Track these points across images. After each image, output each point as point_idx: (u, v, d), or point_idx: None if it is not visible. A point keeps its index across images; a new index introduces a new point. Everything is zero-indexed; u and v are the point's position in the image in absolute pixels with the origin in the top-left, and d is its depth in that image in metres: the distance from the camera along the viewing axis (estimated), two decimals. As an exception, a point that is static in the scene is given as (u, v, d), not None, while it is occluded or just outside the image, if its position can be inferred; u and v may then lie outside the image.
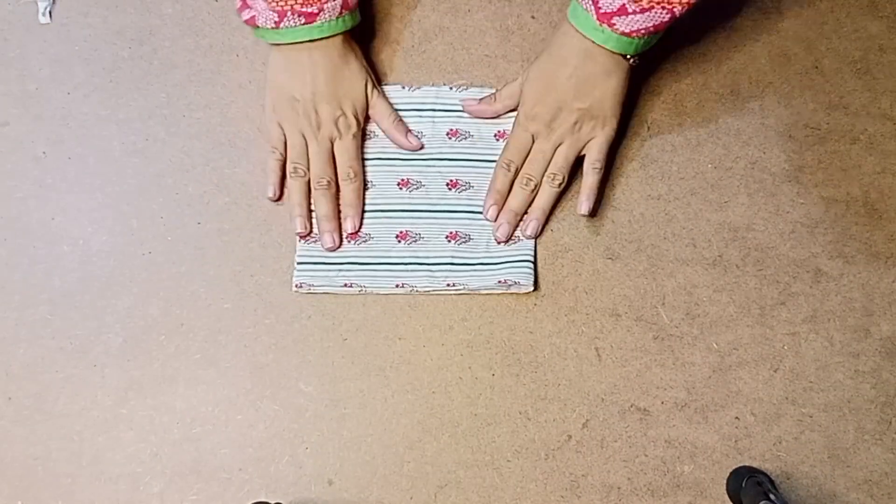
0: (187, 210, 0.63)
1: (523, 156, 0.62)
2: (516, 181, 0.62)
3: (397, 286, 0.61)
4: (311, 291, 0.61)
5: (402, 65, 0.66)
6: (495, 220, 0.62)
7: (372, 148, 0.64)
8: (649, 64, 0.65)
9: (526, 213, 0.62)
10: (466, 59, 0.67)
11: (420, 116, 0.65)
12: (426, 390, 0.59)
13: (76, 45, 0.67)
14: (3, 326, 0.60)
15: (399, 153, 0.64)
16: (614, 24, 0.55)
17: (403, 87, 0.66)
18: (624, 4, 0.54)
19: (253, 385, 0.59)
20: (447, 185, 0.63)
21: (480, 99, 0.64)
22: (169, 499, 0.57)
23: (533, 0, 0.68)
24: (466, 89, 0.65)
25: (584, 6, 0.56)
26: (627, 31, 0.55)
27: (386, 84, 0.66)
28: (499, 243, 0.62)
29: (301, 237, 0.62)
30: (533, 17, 0.68)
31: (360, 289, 0.61)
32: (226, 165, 0.64)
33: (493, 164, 0.64)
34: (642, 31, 0.55)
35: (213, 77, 0.66)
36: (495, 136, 0.64)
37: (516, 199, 0.61)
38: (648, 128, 0.65)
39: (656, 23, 0.55)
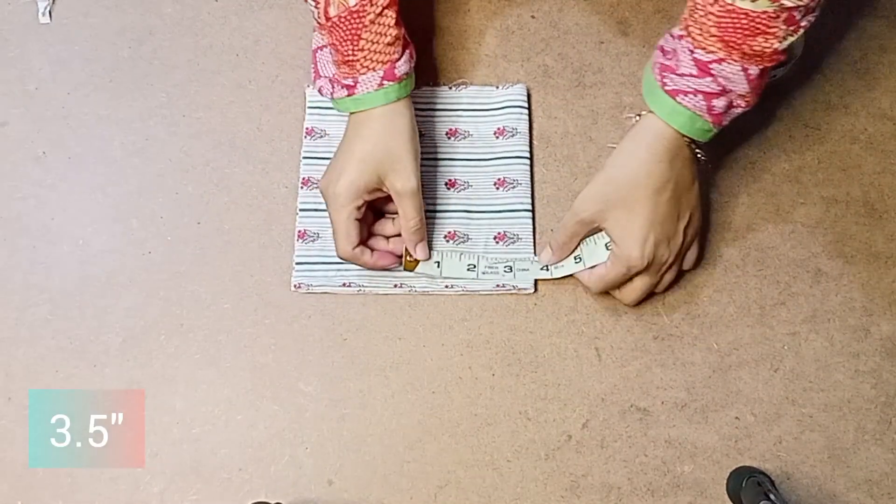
0: (187, 210, 0.63)
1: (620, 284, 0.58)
2: (617, 296, 0.59)
3: (396, 286, 0.61)
4: (310, 291, 0.61)
5: (402, 65, 0.66)
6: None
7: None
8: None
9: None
10: (466, 59, 0.67)
11: (419, 116, 0.65)
12: (426, 390, 0.59)
13: (76, 45, 0.67)
14: (3, 326, 0.60)
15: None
16: (723, 122, 0.54)
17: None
18: (732, 101, 0.53)
19: (253, 385, 0.59)
20: (446, 184, 0.63)
21: (562, 243, 0.59)
22: (169, 499, 0.57)
23: (533, 0, 0.68)
24: (466, 88, 0.65)
25: (699, 113, 0.52)
26: (728, 122, 0.54)
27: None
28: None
29: (299, 237, 0.62)
30: (533, 17, 0.68)
31: (358, 288, 0.61)
32: (226, 165, 0.64)
33: (493, 163, 0.63)
34: (728, 122, 0.55)
35: (213, 77, 0.66)
36: (494, 133, 0.64)
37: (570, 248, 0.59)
38: (648, 128, 0.65)
39: (747, 110, 0.55)
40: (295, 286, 0.61)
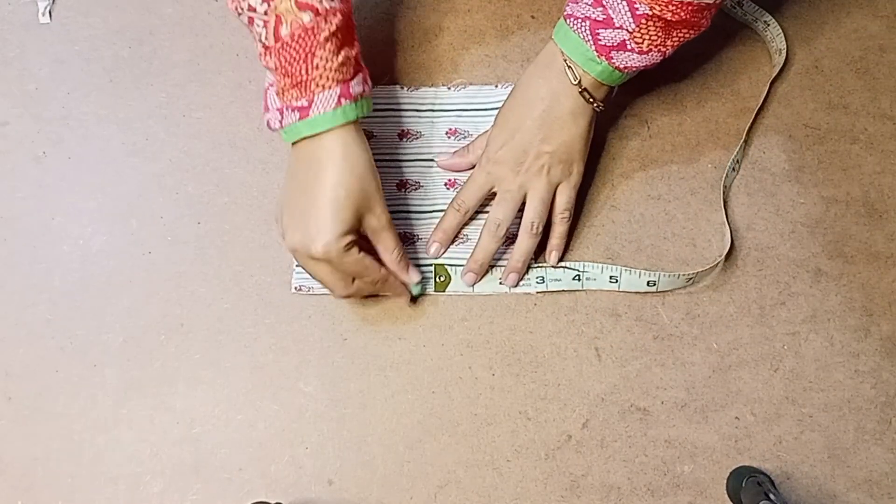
0: (187, 210, 0.63)
1: (478, 199, 0.59)
2: (485, 229, 0.59)
3: (397, 286, 0.61)
4: (311, 293, 0.61)
5: (402, 65, 0.66)
6: (434, 256, 0.61)
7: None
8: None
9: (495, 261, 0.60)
10: (466, 59, 0.67)
11: (419, 116, 0.65)
12: (426, 390, 0.59)
13: (76, 45, 0.67)
14: (3, 326, 0.60)
15: (396, 154, 0.64)
16: (612, 58, 0.55)
17: (402, 88, 0.66)
18: (624, 41, 0.54)
19: (253, 385, 0.59)
20: (445, 185, 0.63)
21: (454, 152, 0.63)
22: (169, 499, 0.57)
23: (533, 0, 0.68)
24: (465, 87, 0.65)
25: (582, 37, 0.55)
26: (622, 66, 0.55)
27: (385, 84, 0.66)
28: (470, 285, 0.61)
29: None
30: (533, 17, 0.68)
31: (359, 289, 0.61)
32: (226, 165, 0.64)
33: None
34: (633, 69, 0.56)
35: (213, 77, 0.66)
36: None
37: (484, 249, 0.59)
38: (648, 128, 0.65)
39: (647, 63, 0.56)
40: (295, 289, 0.61)
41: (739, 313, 0.60)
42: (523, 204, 0.59)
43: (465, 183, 0.60)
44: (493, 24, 0.67)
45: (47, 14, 0.68)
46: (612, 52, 0.54)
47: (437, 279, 0.61)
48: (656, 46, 0.54)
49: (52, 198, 0.63)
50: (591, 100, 0.57)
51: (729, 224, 0.61)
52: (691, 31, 0.55)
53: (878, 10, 0.68)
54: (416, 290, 0.60)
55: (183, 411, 0.59)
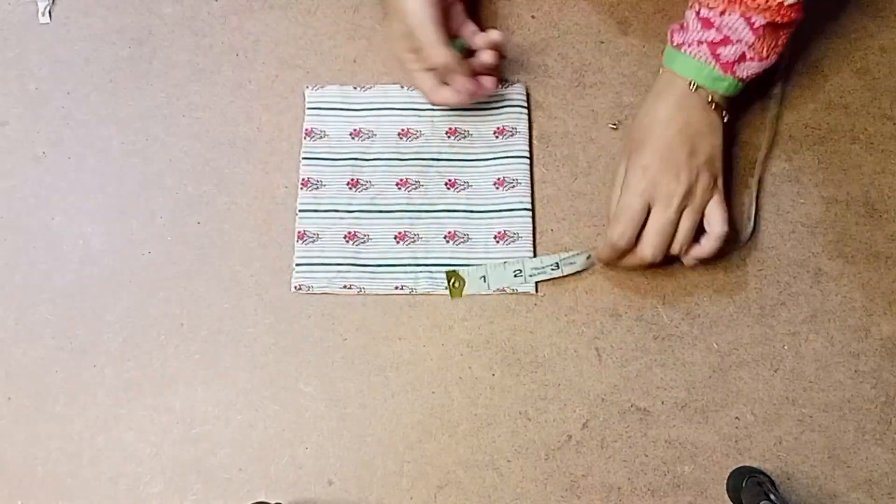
0: (187, 210, 0.63)
1: (637, 229, 0.57)
2: (637, 260, 0.57)
3: (396, 287, 0.61)
4: (311, 293, 0.61)
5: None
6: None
7: (370, 149, 0.64)
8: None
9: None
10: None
11: (419, 116, 0.65)
12: (426, 390, 0.59)
13: (76, 45, 0.67)
14: (3, 326, 0.60)
15: (398, 153, 0.64)
16: (735, 72, 0.57)
17: (402, 87, 0.66)
18: (744, 53, 0.57)
19: (253, 385, 0.59)
20: (446, 184, 0.63)
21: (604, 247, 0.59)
22: (169, 499, 0.57)
23: (533, 0, 0.68)
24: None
25: (703, 60, 0.57)
26: (745, 76, 0.58)
27: (384, 84, 0.66)
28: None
29: (299, 238, 0.62)
30: (533, 17, 0.68)
31: (359, 290, 0.61)
32: (226, 165, 0.64)
33: (492, 163, 0.63)
34: (754, 76, 0.58)
35: (213, 77, 0.66)
36: (494, 133, 0.64)
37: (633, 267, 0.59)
38: (648, 128, 0.65)
39: (767, 67, 0.58)
40: (295, 287, 0.61)
41: (739, 313, 0.60)
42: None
43: (615, 212, 0.57)
44: (492, 24, 0.67)
45: (47, 14, 0.68)
46: (735, 65, 0.57)
47: (452, 286, 0.61)
48: (772, 49, 0.57)
49: (52, 198, 0.63)
50: (724, 114, 0.59)
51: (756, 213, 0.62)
52: (794, 27, 0.57)
53: (878, 10, 0.68)
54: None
55: (183, 411, 0.59)
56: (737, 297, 0.61)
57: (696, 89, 0.58)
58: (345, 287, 0.61)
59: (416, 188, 0.63)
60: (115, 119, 0.65)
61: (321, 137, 0.65)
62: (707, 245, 0.58)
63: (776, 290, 0.61)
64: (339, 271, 0.61)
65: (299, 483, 0.57)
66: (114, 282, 0.61)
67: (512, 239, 0.62)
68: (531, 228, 0.62)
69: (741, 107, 0.64)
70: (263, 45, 0.67)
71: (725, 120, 0.59)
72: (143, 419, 0.59)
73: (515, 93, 0.65)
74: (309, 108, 0.65)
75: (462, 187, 0.63)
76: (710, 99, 0.58)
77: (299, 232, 0.62)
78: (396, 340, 0.60)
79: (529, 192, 0.63)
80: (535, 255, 0.62)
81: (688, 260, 0.59)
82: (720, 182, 0.59)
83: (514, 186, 0.63)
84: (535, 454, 0.58)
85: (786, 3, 0.54)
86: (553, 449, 0.58)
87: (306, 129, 0.65)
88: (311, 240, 0.62)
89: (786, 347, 0.60)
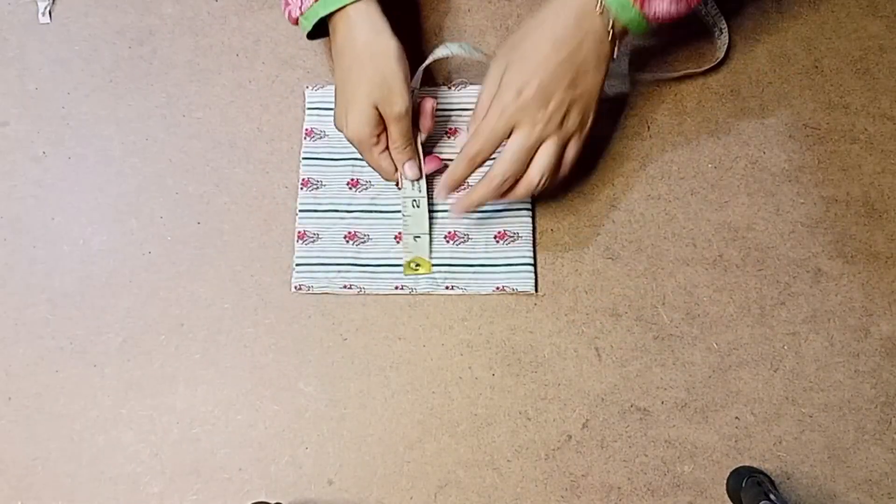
0: (187, 210, 0.63)
1: (496, 147, 0.55)
2: (487, 179, 0.55)
3: (396, 288, 0.61)
4: (311, 292, 0.61)
5: (402, 65, 0.66)
6: (443, 198, 0.59)
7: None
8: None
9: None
10: (466, 58, 0.67)
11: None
12: (426, 390, 0.59)
13: (76, 45, 0.67)
14: (3, 326, 0.60)
15: None
16: (644, 6, 0.53)
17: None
18: None
19: (253, 385, 0.59)
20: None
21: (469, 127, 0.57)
22: (169, 499, 0.57)
23: (533, 0, 0.68)
24: (465, 87, 0.65)
25: None
26: (653, 14, 0.53)
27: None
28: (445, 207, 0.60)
29: (299, 238, 0.62)
30: (533, 17, 0.68)
31: (359, 290, 0.61)
32: (226, 165, 0.64)
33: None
34: (661, 18, 0.54)
35: (213, 77, 0.66)
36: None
37: (482, 197, 0.56)
38: (648, 128, 0.65)
39: (675, 14, 0.54)
40: (295, 287, 0.61)
41: (739, 313, 0.60)
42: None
43: (477, 129, 0.55)
44: (493, 24, 0.67)
45: (47, 14, 0.68)
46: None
47: (409, 264, 0.61)
48: None
49: (52, 198, 0.63)
50: (616, 50, 0.55)
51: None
52: None
53: (878, 10, 0.68)
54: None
55: (183, 411, 0.59)
56: (737, 297, 0.61)
57: (601, 11, 0.52)
58: (345, 287, 0.61)
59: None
60: (115, 119, 0.65)
61: (321, 137, 0.65)
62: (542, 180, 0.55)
63: (776, 290, 0.61)
64: (339, 271, 0.61)
65: (299, 483, 0.57)
66: (114, 282, 0.61)
67: (512, 239, 0.62)
68: (531, 228, 0.62)
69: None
70: (263, 45, 0.67)
71: (614, 57, 0.55)
72: (143, 419, 0.59)
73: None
74: (309, 108, 0.65)
75: (462, 187, 0.63)
76: (610, 26, 0.53)
77: (299, 232, 0.62)
78: (396, 340, 0.60)
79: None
80: (535, 256, 0.62)
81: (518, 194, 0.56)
82: (591, 119, 0.56)
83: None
84: (535, 454, 0.58)
85: None
86: (553, 449, 0.58)
87: (306, 129, 0.65)
88: (311, 240, 0.62)
89: (786, 347, 0.60)
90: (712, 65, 0.65)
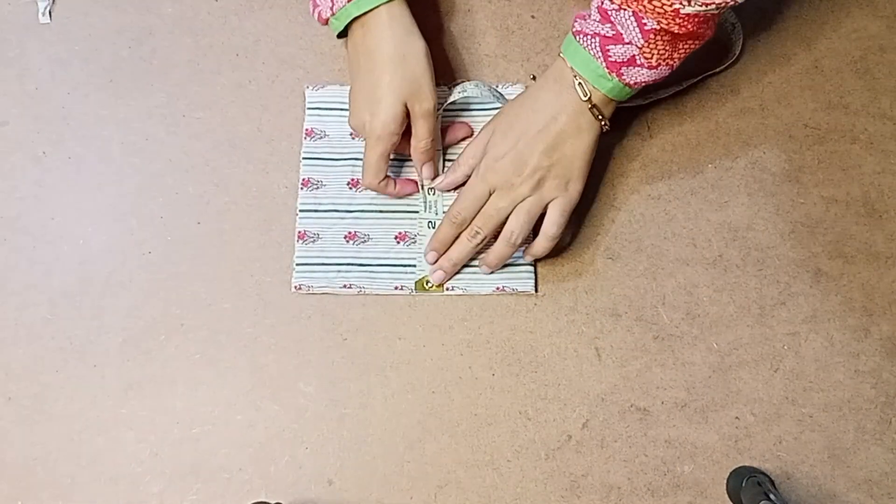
0: (187, 210, 0.63)
1: (476, 209, 0.58)
2: (464, 233, 0.59)
3: (396, 288, 0.61)
4: (311, 292, 0.61)
5: (402, 65, 0.66)
6: (433, 265, 0.60)
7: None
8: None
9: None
10: (466, 59, 0.67)
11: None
12: (426, 390, 0.59)
13: (76, 45, 0.67)
14: (3, 326, 0.60)
15: (398, 154, 0.64)
16: (622, 75, 0.55)
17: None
18: (634, 56, 0.54)
19: (253, 385, 0.59)
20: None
21: (446, 172, 0.61)
22: (169, 499, 0.57)
23: (533, 0, 0.68)
24: (462, 82, 0.65)
25: (592, 53, 0.55)
26: (633, 82, 0.55)
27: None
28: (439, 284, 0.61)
29: (299, 238, 0.62)
30: (533, 17, 0.68)
31: (359, 290, 0.61)
32: (226, 165, 0.64)
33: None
34: (642, 84, 0.56)
35: (213, 77, 0.66)
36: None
37: (459, 252, 0.59)
38: (648, 128, 0.65)
39: (656, 78, 0.56)
40: (296, 287, 0.61)
41: (739, 313, 0.60)
42: None
43: (461, 192, 0.59)
44: (493, 24, 0.67)
45: (47, 14, 0.67)
46: (623, 67, 0.54)
47: (423, 283, 0.61)
48: (664, 60, 0.55)
49: (52, 198, 0.63)
50: (600, 116, 0.57)
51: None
52: (696, 42, 0.55)
53: (878, 10, 0.68)
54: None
55: (183, 411, 0.59)
56: (737, 297, 0.61)
57: (578, 84, 0.56)
58: (345, 287, 0.61)
59: (416, 188, 0.63)
60: (115, 119, 0.65)
61: (321, 137, 0.65)
62: (537, 244, 0.58)
63: (776, 290, 0.61)
64: (339, 271, 0.61)
65: (299, 483, 0.57)
66: (114, 282, 0.61)
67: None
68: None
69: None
70: (263, 45, 0.67)
71: (605, 127, 0.57)
72: (143, 419, 0.59)
73: (516, 93, 0.65)
74: (309, 108, 0.65)
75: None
76: (587, 97, 0.56)
77: (299, 232, 0.62)
78: (396, 340, 0.60)
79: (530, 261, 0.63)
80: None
81: (526, 257, 0.60)
82: (573, 187, 0.57)
83: None
84: (535, 454, 0.58)
85: (681, 12, 0.51)
86: (553, 449, 0.58)
87: (306, 129, 0.65)
88: (311, 240, 0.62)
89: (786, 347, 0.60)
90: (730, 61, 0.65)
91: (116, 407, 0.59)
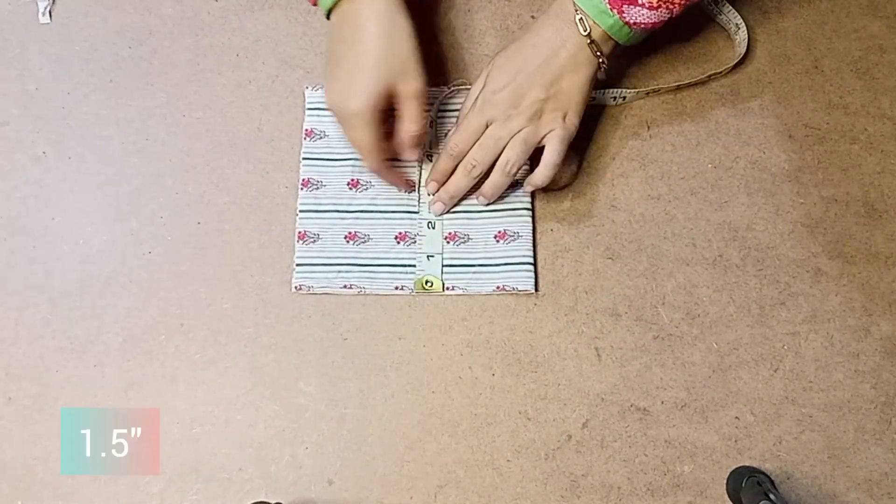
0: (187, 210, 0.63)
1: (473, 142, 0.59)
2: (460, 165, 0.60)
3: (396, 288, 0.61)
4: (311, 293, 0.61)
5: (402, 65, 0.66)
6: (433, 195, 0.61)
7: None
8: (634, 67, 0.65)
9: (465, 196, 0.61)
10: (466, 59, 0.67)
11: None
12: (426, 390, 0.59)
13: (76, 45, 0.67)
14: (3, 326, 0.60)
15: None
16: (623, 12, 0.55)
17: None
18: None
19: (253, 385, 0.59)
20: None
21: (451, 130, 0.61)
22: (169, 499, 0.57)
23: (533, 0, 0.68)
24: (466, 87, 0.65)
25: None
26: (632, 21, 0.56)
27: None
28: (437, 214, 0.62)
29: (300, 238, 0.62)
30: (533, 17, 0.68)
31: (359, 290, 0.61)
32: (226, 165, 0.64)
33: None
34: (642, 26, 0.56)
35: (213, 77, 0.66)
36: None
37: (457, 185, 0.60)
38: (648, 128, 0.65)
39: (656, 21, 0.56)
40: (296, 288, 0.61)
41: (739, 313, 0.60)
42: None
43: (458, 124, 0.59)
44: (493, 24, 0.67)
45: (47, 14, 0.67)
46: (624, 5, 0.55)
47: (423, 284, 0.61)
48: (665, 3, 0.55)
49: (52, 198, 0.63)
50: (598, 53, 0.57)
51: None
52: None
53: (878, 10, 0.68)
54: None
55: (183, 411, 0.59)
56: (737, 297, 0.61)
57: (579, 19, 0.56)
58: (345, 287, 0.61)
59: (416, 189, 0.63)
60: (115, 119, 0.65)
61: (321, 137, 0.65)
62: (538, 172, 0.59)
63: (776, 290, 0.61)
64: (339, 271, 0.61)
65: (299, 483, 0.57)
66: (114, 282, 0.61)
67: (512, 238, 0.62)
68: (531, 228, 0.62)
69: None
70: (263, 45, 0.67)
71: (603, 66, 0.58)
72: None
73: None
74: (309, 108, 0.65)
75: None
76: (587, 32, 0.56)
77: (299, 232, 0.62)
78: (396, 340, 0.60)
79: (529, 190, 0.63)
80: (534, 256, 0.62)
81: (526, 188, 0.60)
82: (570, 120, 0.58)
83: (514, 186, 0.63)
84: (535, 454, 0.58)
85: None
86: (553, 449, 0.58)
87: (306, 130, 0.65)
88: (311, 240, 0.62)
89: (786, 347, 0.60)
90: (735, 62, 0.65)
91: (116, 407, 0.59)
